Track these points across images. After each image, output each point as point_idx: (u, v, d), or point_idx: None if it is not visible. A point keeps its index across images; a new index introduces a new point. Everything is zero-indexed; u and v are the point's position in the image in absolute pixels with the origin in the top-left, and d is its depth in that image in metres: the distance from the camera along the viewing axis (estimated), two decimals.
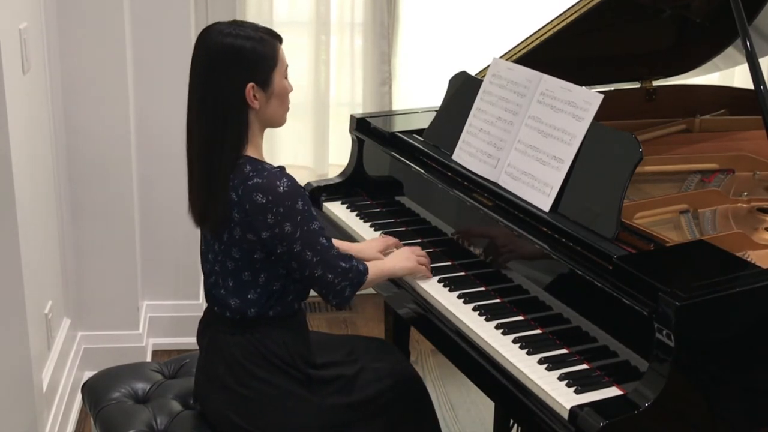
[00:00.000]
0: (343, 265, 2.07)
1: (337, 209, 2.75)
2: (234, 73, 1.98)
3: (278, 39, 2.05)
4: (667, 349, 1.70)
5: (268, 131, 2.15)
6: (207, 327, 2.17)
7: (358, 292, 2.14)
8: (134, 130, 3.27)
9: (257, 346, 2.07)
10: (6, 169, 2.47)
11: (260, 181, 1.97)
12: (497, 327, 2.06)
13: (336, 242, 2.17)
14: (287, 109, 2.10)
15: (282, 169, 2.02)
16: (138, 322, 3.38)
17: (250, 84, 1.99)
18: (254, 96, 2.00)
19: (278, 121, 2.10)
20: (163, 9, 3.24)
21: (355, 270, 2.09)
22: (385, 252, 2.39)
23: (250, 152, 2.03)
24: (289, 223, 1.97)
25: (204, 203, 2.03)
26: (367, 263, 2.16)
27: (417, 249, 2.35)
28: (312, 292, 2.14)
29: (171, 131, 3.18)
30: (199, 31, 2.05)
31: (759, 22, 2.70)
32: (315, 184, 2.86)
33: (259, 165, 2.01)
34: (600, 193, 2.03)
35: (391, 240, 2.44)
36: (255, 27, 2.03)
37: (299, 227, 1.99)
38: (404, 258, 2.29)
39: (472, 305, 2.16)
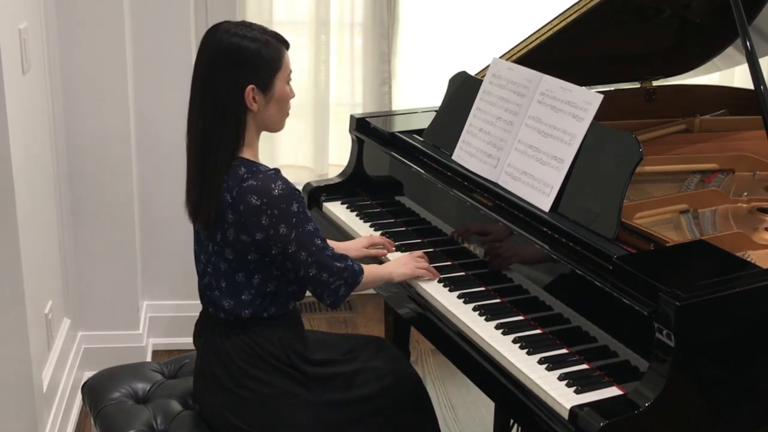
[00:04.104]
0: (338, 265, 2.07)
1: (337, 209, 2.75)
2: (235, 73, 1.98)
3: (285, 44, 2.05)
4: (667, 349, 1.70)
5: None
6: (202, 328, 2.17)
7: (356, 293, 2.14)
8: (134, 130, 3.27)
9: (253, 347, 2.07)
10: (6, 169, 2.47)
11: (255, 183, 1.97)
12: (497, 327, 2.06)
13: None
14: (286, 114, 2.10)
15: (277, 171, 2.01)
16: (138, 322, 3.38)
17: (251, 86, 1.99)
18: (253, 98, 2.00)
19: (276, 126, 2.09)
20: (163, 9, 3.24)
21: (350, 270, 2.09)
22: (371, 247, 2.39)
23: (246, 154, 2.03)
24: (284, 225, 1.97)
25: (197, 200, 2.03)
26: (364, 266, 2.16)
27: (418, 254, 2.34)
28: (308, 293, 2.14)
29: (171, 131, 3.17)
30: (199, 31, 2.05)
31: (759, 22, 2.70)
32: (315, 184, 2.86)
33: (254, 167, 2.01)
34: (600, 193, 2.03)
35: (378, 238, 2.44)
36: (263, 30, 2.03)
37: (294, 229, 1.99)
38: (402, 264, 2.28)
39: (472, 305, 2.16)
